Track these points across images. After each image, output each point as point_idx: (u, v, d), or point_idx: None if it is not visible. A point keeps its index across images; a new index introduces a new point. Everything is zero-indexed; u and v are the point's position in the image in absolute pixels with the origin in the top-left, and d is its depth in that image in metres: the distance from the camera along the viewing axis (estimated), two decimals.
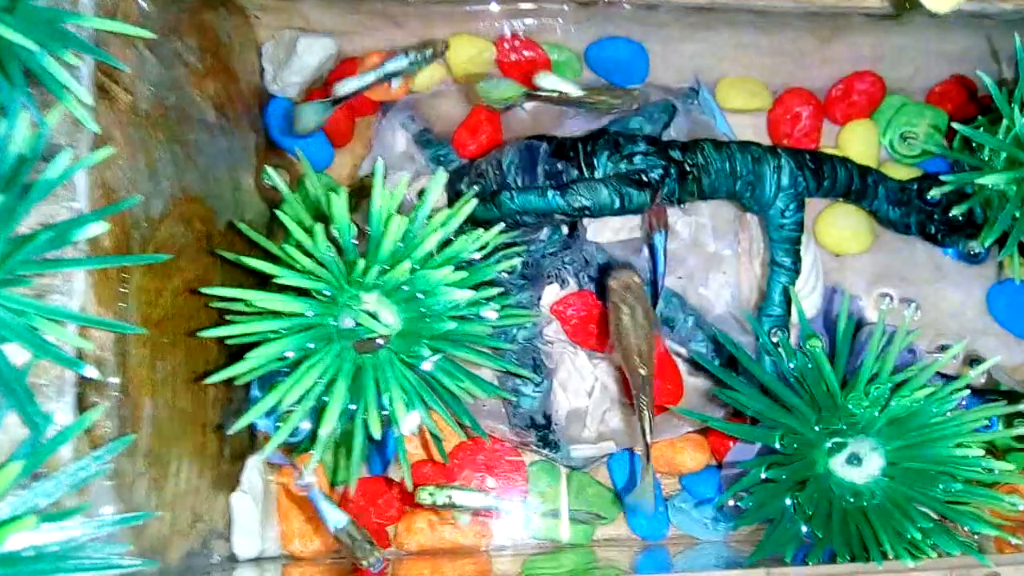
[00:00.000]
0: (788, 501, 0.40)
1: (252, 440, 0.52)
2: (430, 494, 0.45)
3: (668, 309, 0.55)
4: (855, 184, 0.52)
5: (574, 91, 0.50)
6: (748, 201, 0.51)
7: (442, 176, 0.40)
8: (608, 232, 0.57)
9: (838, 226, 0.58)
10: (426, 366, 0.39)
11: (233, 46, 0.54)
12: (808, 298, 0.58)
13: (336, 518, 0.44)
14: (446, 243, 0.40)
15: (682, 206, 0.52)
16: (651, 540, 0.54)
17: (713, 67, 0.60)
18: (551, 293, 0.54)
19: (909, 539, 0.39)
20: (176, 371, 0.44)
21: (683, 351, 0.56)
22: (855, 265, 0.60)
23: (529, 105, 0.60)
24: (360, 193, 0.45)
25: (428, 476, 0.53)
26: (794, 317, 0.57)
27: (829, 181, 0.51)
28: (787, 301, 0.51)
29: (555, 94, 0.50)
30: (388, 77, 0.52)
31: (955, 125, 0.43)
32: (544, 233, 0.52)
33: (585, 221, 0.55)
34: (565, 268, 0.54)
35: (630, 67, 0.59)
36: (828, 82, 0.61)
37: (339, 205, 0.38)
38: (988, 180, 0.41)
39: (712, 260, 0.58)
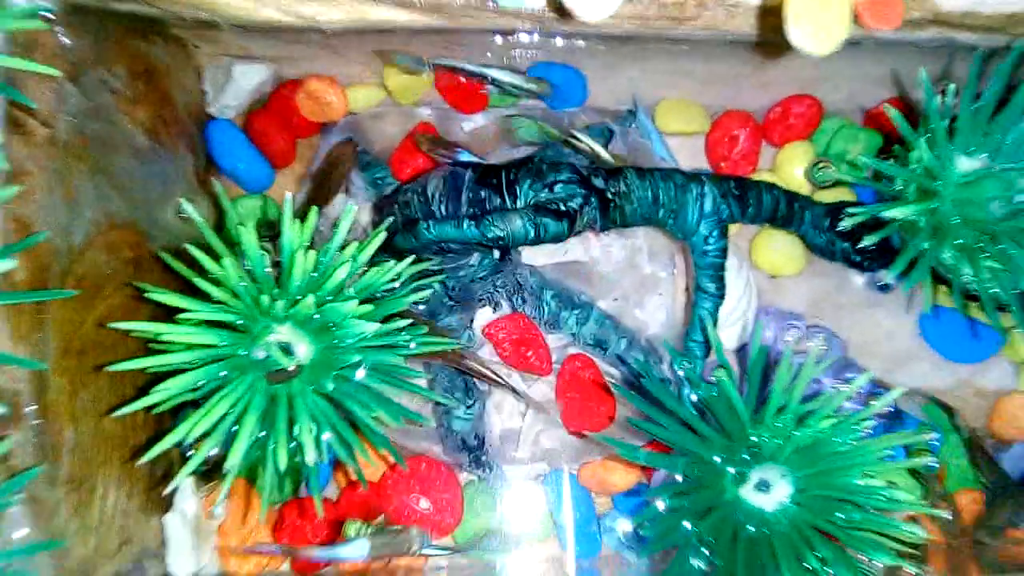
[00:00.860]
0: (691, 529, 0.41)
1: (184, 461, 0.53)
2: (356, 531, 0.46)
3: (601, 331, 0.56)
4: (780, 210, 0.53)
5: (602, 152, 0.52)
6: (672, 228, 0.51)
7: (352, 209, 0.40)
8: (542, 256, 0.58)
9: (772, 248, 0.59)
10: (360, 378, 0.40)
11: (170, 72, 0.54)
12: (739, 322, 0.58)
13: (359, 552, 0.48)
14: (362, 273, 0.41)
15: (607, 232, 0.52)
16: (583, 559, 0.55)
17: (651, 91, 0.61)
18: (484, 316, 0.55)
19: (809, 567, 0.40)
20: (100, 398, 0.44)
21: (616, 373, 0.57)
22: (790, 286, 0.60)
23: (469, 127, 0.61)
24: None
25: (360, 498, 0.54)
26: (727, 343, 0.58)
27: (754, 208, 0.52)
28: (711, 326, 0.52)
29: (587, 148, 0.52)
30: (491, 80, 0.54)
31: (861, 159, 0.43)
32: (474, 258, 0.52)
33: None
34: (497, 291, 0.55)
35: (568, 91, 0.60)
36: (766, 105, 0.62)
37: (248, 238, 0.39)
38: (894, 213, 0.42)
39: (648, 282, 0.59)
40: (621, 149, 0.60)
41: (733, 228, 0.59)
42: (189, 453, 0.40)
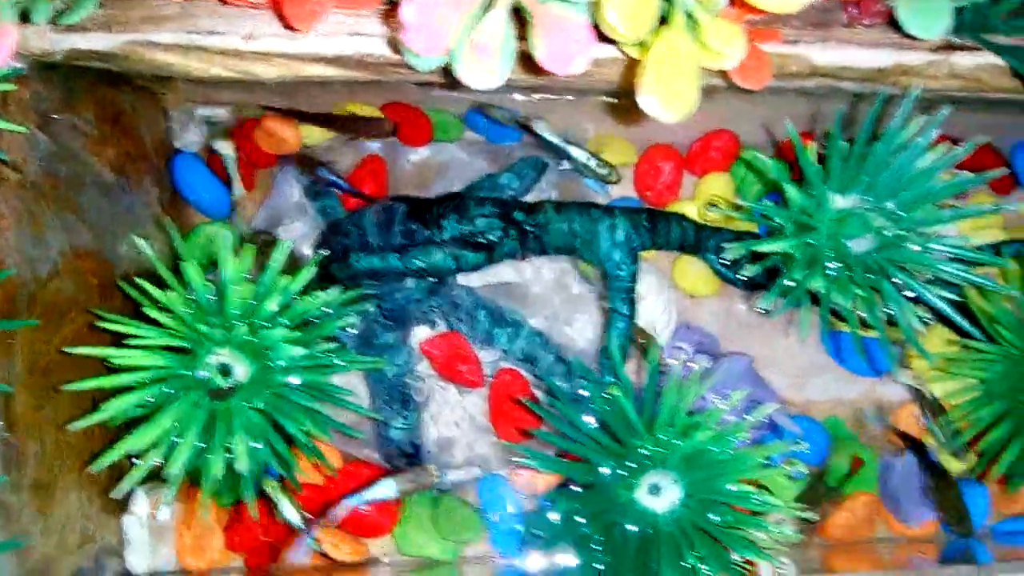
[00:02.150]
0: (585, 530, 0.46)
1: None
2: (271, 488, 0.52)
3: (530, 347, 0.61)
4: (688, 239, 0.58)
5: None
6: (587, 256, 0.57)
7: (287, 245, 0.45)
8: (476, 278, 0.63)
9: (690, 271, 0.64)
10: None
11: (137, 113, 0.60)
12: (660, 337, 0.64)
13: (387, 491, 0.55)
14: (292, 301, 0.46)
15: (526, 260, 0.58)
16: (512, 556, 0.60)
17: (583, 127, 0.66)
18: (421, 334, 0.60)
19: (687, 564, 0.45)
20: (63, 411, 0.50)
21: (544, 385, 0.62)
22: (708, 305, 0.66)
23: (415, 159, 0.66)
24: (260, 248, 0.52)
25: (307, 500, 0.59)
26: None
27: (663, 238, 0.57)
28: (624, 347, 0.57)
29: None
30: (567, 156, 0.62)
31: (739, 202, 0.48)
32: (410, 282, 0.57)
33: None
34: (434, 311, 0.60)
35: (506, 129, 0.65)
36: (689, 139, 0.67)
37: (191, 271, 0.44)
38: (767, 247, 0.47)
39: (576, 301, 0.64)
40: (555, 179, 0.65)
41: (653, 253, 0.65)
42: (137, 462, 0.45)
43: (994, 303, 0.55)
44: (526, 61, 0.38)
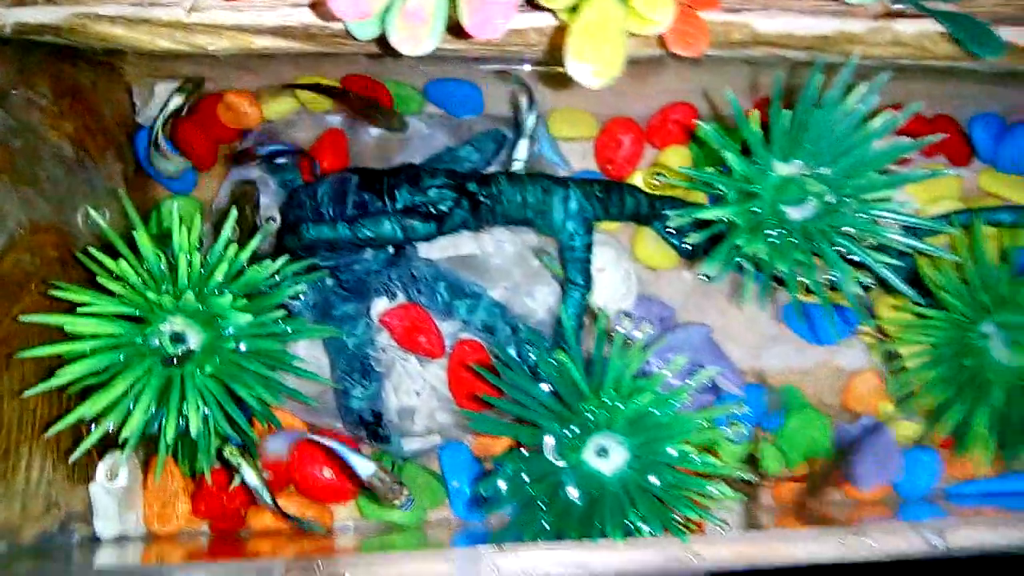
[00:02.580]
0: (532, 491, 0.47)
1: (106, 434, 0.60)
2: (230, 453, 0.52)
3: (490, 318, 0.62)
4: (642, 210, 0.59)
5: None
6: (541, 227, 0.57)
7: (232, 217, 0.46)
8: (436, 250, 0.64)
9: (650, 244, 0.65)
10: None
11: (97, 88, 0.60)
12: (622, 304, 0.65)
13: (366, 467, 0.52)
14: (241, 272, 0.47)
15: (479, 231, 0.59)
16: (471, 521, 0.62)
17: (545, 100, 0.67)
18: (380, 305, 0.61)
19: (629, 522, 0.46)
20: (24, 380, 0.51)
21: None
22: (668, 278, 0.66)
23: (375, 133, 0.67)
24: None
25: (274, 467, 0.60)
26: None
27: (616, 208, 0.58)
28: (579, 316, 0.58)
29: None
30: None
31: (682, 169, 0.49)
32: (368, 253, 0.58)
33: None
34: (393, 283, 0.61)
35: (466, 102, 0.66)
36: (649, 112, 0.68)
37: (143, 242, 0.45)
38: (709, 214, 0.48)
39: (537, 273, 0.65)
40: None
41: (614, 225, 0.66)
42: (93, 427, 0.47)
43: (943, 271, 0.56)
44: (454, 28, 0.38)
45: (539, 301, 0.65)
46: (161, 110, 0.59)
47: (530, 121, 0.62)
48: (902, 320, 0.57)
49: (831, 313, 0.53)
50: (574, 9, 0.39)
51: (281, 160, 0.64)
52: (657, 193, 0.60)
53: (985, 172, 0.67)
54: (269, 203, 0.64)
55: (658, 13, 0.38)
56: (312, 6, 0.45)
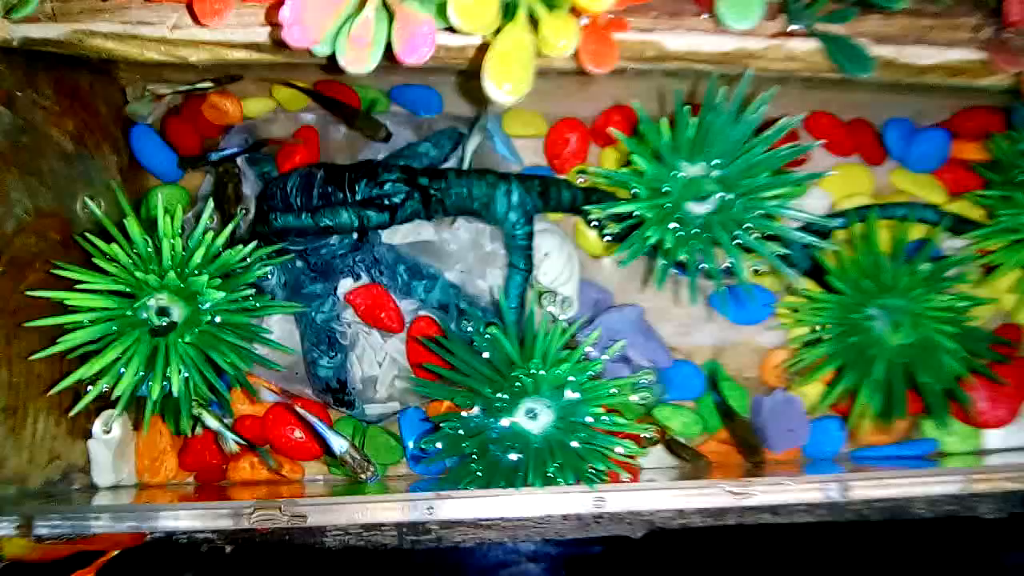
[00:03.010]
0: (467, 446, 0.55)
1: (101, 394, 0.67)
2: (195, 406, 0.59)
3: (444, 297, 0.70)
4: (578, 202, 0.66)
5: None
6: (487, 217, 0.65)
7: (209, 206, 0.54)
8: (398, 236, 0.71)
9: (589, 233, 0.72)
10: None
11: (95, 89, 0.68)
12: (565, 286, 0.72)
13: (339, 443, 0.59)
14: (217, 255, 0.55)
15: (432, 220, 0.66)
16: (427, 475, 0.70)
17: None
18: (346, 285, 0.69)
19: (549, 473, 0.54)
20: (31, 346, 0.59)
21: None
22: (608, 265, 0.74)
23: (345, 129, 0.74)
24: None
25: (249, 428, 0.68)
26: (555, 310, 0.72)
27: (554, 201, 0.65)
28: (521, 295, 0.65)
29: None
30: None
31: (599, 170, 0.56)
32: (334, 239, 0.66)
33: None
34: (357, 265, 0.68)
35: (427, 103, 0.73)
36: (594, 114, 0.75)
37: (132, 228, 0.53)
38: (621, 208, 0.55)
39: (489, 257, 0.73)
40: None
41: (559, 216, 0.73)
42: (89, 388, 0.54)
43: (839, 260, 0.64)
44: (388, 51, 0.45)
45: (490, 283, 0.73)
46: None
47: (481, 122, 0.69)
48: (800, 303, 0.64)
49: (753, 296, 0.61)
50: (493, 32, 0.46)
51: (252, 155, 0.71)
52: (594, 188, 0.68)
53: (896, 171, 0.74)
54: (248, 194, 0.71)
55: (563, 40, 0.45)
56: (271, 33, 0.52)
